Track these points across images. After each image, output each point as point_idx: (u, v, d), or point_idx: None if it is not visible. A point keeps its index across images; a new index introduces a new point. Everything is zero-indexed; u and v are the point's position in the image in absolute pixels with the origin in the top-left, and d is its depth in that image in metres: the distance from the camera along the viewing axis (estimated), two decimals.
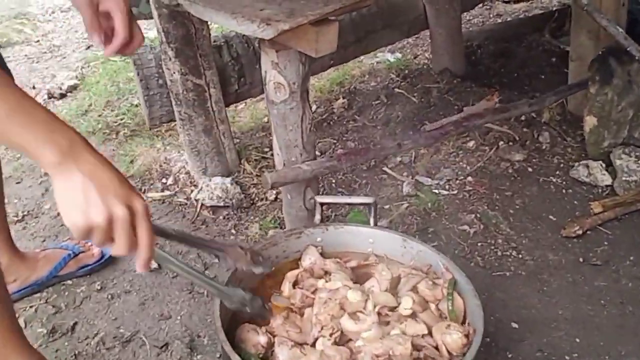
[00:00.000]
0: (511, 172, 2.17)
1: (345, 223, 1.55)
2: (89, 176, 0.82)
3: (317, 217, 1.46)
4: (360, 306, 1.22)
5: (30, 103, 0.82)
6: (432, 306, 1.26)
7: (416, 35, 2.99)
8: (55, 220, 2.03)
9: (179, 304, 1.70)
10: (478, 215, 1.97)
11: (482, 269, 1.77)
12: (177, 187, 2.15)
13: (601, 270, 1.77)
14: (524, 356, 1.52)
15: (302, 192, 1.70)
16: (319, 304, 1.22)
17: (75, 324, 1.65)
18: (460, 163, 2.21)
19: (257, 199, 2.09)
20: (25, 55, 3.32)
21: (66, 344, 1.59)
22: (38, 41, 3.50)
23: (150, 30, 2.74)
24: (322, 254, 1.37)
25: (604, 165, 2.11)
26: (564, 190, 2.09)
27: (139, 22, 1.24)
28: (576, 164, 2.15)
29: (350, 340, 1.19)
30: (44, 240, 1.95)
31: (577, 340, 1.56)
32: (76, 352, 1.56)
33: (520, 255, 1.83)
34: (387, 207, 2.02)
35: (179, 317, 1.66)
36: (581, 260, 1.80)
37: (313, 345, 1.18)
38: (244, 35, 2.19)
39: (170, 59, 1.96)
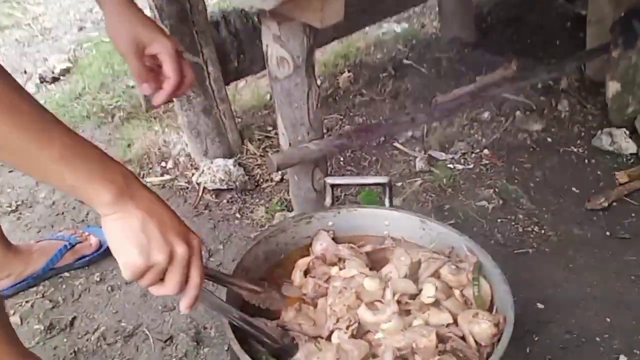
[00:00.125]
0: (529, 143, 2.13)
1: (358, 205, 1.49)
2: (148, 214, 0.81)
3: (328, 199, 1.40)
4: (378, 295, 1.14)
5: (81, 141, 0.79)
6: (457, 292, 1.18)
7: (423, 4, 2.96)
8: (50, 209, 1.98)
9: None
10: (496, 189, 1.93)
11: (502, 246, 1.74)
12: (177, 170, 2.11)
13: (630, 243, 1.72)
14: (551, 338, 1.48)
15: (310, 173, 1.65)
16: (333, 293, 1.16)
17: (74, 318, 1.61)
18: (475, 135, 2.19)
19: (261, 180, 2.04)
20: (16, 40, 3.28)
21: (65, 340, 1.55)
22: (28, 24, 3.45)
23: (143, 8, 2.64)
24: (334, 239, 1.30)
25: (628, 132, 2.07)
26: (586, 161, 2.06)
27: None
28: (598, 132, 2.13)
29: (369, 332, 1.12)
30: (39, 231, 1.91)
31: (608, 319, 1.51)
32: (76, 348, 1.53)
33: (542, 231, 1.78)
34: (399, 184, 1.98)
35: None
36: (608, 233, 1.76)
37: (328, 338, 1.11)
38: (242, 9, 2.13)
39: None
